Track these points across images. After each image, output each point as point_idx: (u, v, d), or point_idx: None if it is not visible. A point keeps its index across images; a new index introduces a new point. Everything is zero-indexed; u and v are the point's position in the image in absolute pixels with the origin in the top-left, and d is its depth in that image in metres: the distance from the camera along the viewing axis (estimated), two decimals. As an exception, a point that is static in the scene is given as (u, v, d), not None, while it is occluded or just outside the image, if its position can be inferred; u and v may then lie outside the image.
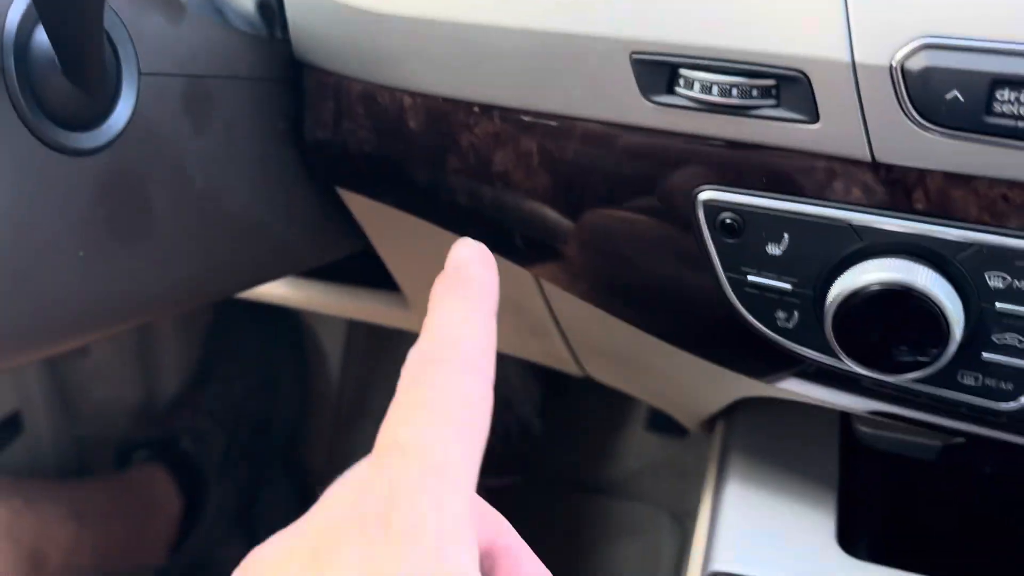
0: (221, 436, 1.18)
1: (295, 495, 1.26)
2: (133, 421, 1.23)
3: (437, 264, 0.70)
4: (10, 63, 0.37)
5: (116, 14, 0.42)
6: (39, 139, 0.39)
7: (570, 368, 0.72)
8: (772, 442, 0.62)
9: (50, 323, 0.42)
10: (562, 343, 0.68)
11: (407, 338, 0.30)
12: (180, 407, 1.22)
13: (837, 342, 0.42)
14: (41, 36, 0.38)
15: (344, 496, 0.26)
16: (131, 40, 0.43)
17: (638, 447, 1.24)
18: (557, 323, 0.65)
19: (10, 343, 0.41)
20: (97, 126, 0.42)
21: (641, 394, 0.71)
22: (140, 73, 0.43)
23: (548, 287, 0.61)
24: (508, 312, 0.69)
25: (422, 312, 0.31)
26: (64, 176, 0.40)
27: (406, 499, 0.25)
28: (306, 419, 1.28)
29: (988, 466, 0.60)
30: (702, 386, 0.63)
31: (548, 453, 1.21)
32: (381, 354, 1.27)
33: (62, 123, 0.40)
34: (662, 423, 1.21)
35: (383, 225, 0.63)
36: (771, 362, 0.49)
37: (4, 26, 0.37)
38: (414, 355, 0.29)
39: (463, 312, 0.30)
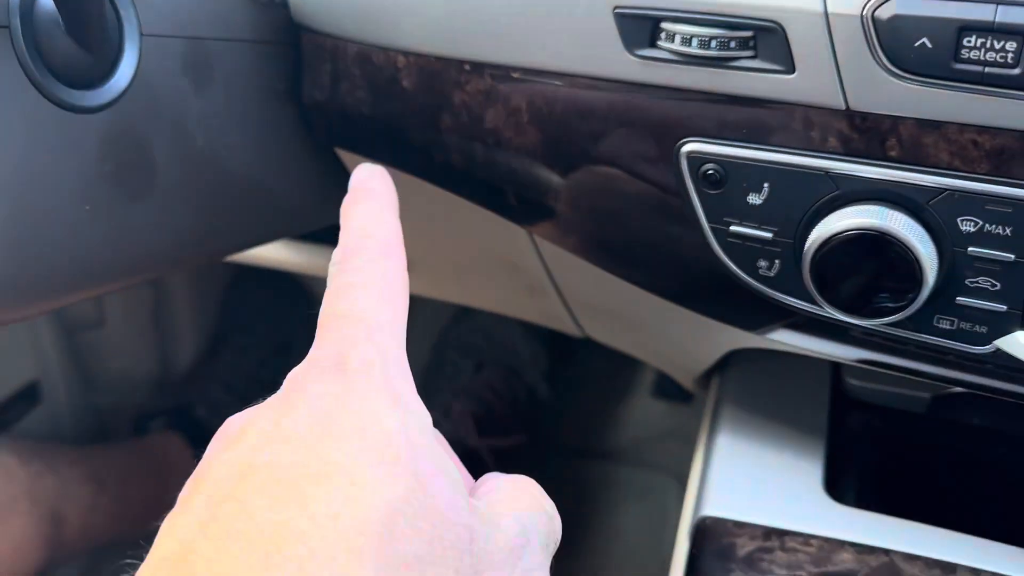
0: (235, 404, 1.20)
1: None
2: (149, 391, 1.25)
3: (435, 226, 0.72)
4: (16, 23, 0.39)
5: (117, -23, 0.44)
6: (46, 96, 0.41)
7: (569, 328, 0.73)
8: (764, 396, 0.64)
9: (58, 275, 0.44)
10: (559, 302, 0.69)
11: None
12: (195, 377, 1.24)
13: (815, 288, 0.44)
14: (45, -3, 0.40)
15: (301, 365, 0.31)
16: (132, 2, 0.45)
17: (644, 414, 1.25)
18: (553, 281, 0.67)
19: (21, 293, 0.43)
20: (101, 85, 0.43)
21: (637, 352, 0.73)
22: (142, 34, 0.45)
23: (543, 244, 0.63)
24: (506, 272, 0.70)
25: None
26: (70, 132, 0.42)
27: (353, 350, 0.30)
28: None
29: (975, 418, 0.61)
30: (694, 340, 0.64)
31: (555, 419, 1.23)
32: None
33: (67, 81, 0.42)
34: (668, 390, 1.23)
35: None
36: (759, 313, 0.51)
37: (10, -13, 0.39)
38: (336, 254, 0.34)
39: (370, 215, 0.36)
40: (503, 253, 0.65)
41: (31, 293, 0.44)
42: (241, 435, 0.29)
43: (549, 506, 0.32)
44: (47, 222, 0.42)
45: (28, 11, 0.40)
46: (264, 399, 0.30)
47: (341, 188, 0.64)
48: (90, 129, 0.43)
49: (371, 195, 0.37)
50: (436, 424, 0.31)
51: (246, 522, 0.25)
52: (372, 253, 0.34)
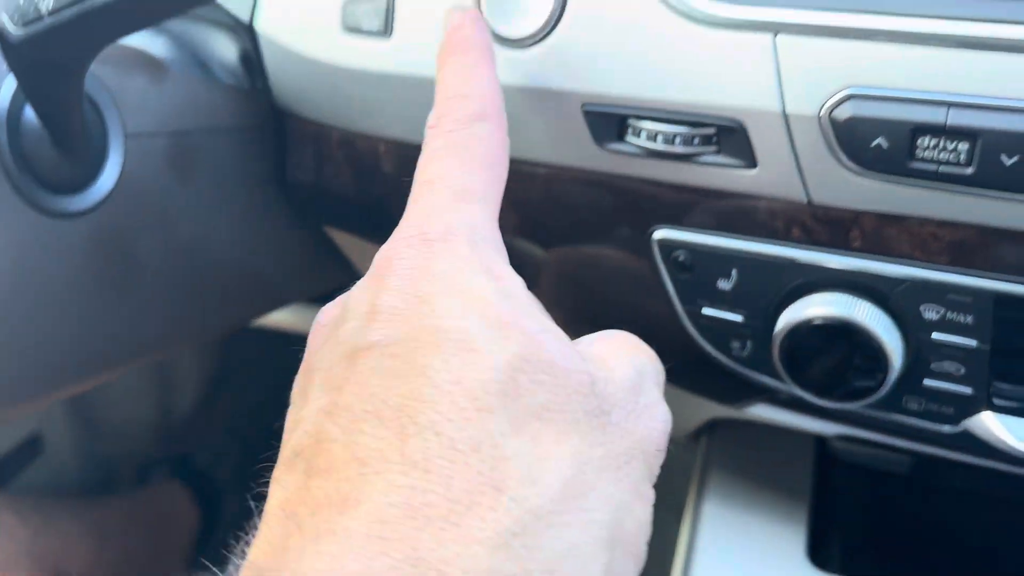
0: (236, 448, 1.22)
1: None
2: (151, 438, 1.26)
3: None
4: (3, 138, 0.41)
5: (100, 81, 0.45)
6: (32, 206, 0.42)
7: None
8: (750, 458, 0.65)
9: (53, 371, 0.46)
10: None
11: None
12: (196, 423, 1.26)
13: (786, 371, 0.45)
14: (30, 112, 0.41)
15: (390, 240, 0.30)
16: (115, 105, 0.46)
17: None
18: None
19: (14, 393, 0.44)
20: (86, 188, 0.45)
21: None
22: (126, 135, 0.46)
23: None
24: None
25: None
26: (57, 238, 0.44)
27: (437, 216, 0.29)
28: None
29: (957, 481, 0.62)
30: (677, 409, 0.65)
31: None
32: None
33: (53, 189, 0.43)
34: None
35: (370, 258, 0.66)
36: (737, 388, 0.52)
37: (-4, 104, 0.41)
38: (431, 119, 0.33)
39: (464, 70, 0.33)
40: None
41: (25, 392, 0.45)
42: (340, 321, 0.29)
43: (650, 350, 0.32)
44: (37, 324, 0.44)
45: (15, 125, 0.41)
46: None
47: (331, 262, 0.65)
48: (76, 232, 0.44)
49: (465, 46, 0.34)
50: None
51: (370, 401, 0.26)
52: (465, 115, 0.32)
